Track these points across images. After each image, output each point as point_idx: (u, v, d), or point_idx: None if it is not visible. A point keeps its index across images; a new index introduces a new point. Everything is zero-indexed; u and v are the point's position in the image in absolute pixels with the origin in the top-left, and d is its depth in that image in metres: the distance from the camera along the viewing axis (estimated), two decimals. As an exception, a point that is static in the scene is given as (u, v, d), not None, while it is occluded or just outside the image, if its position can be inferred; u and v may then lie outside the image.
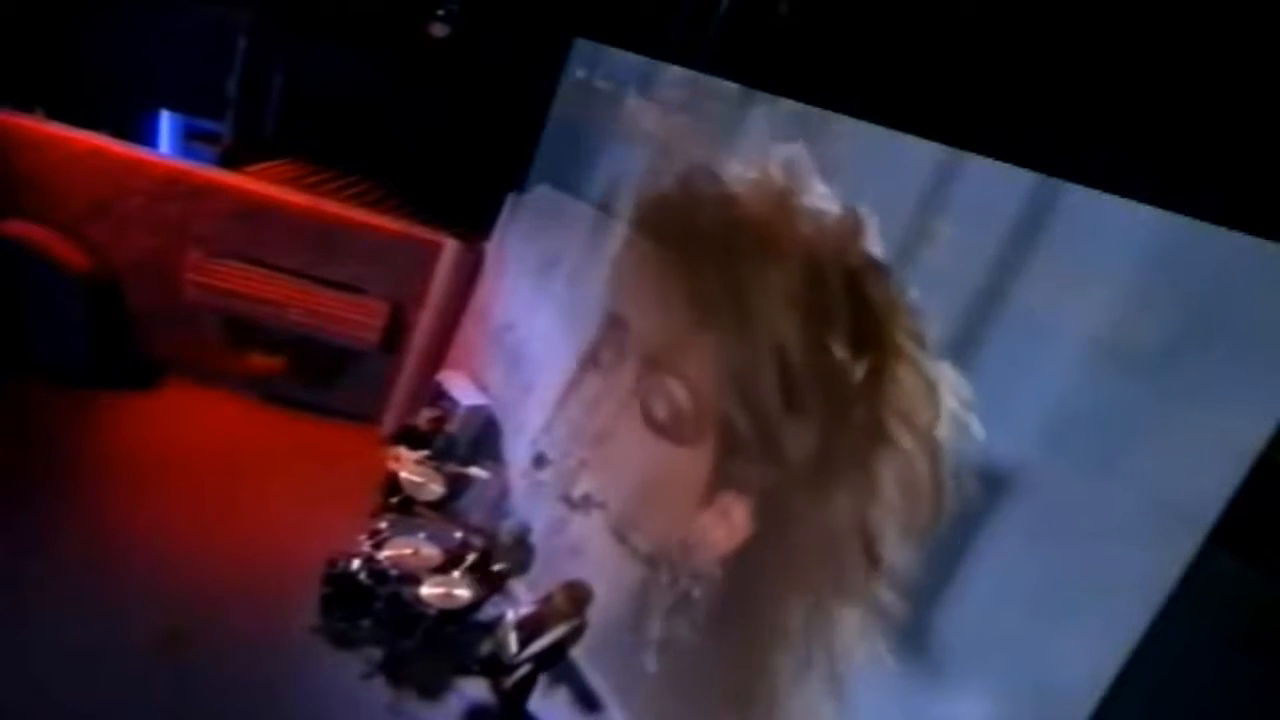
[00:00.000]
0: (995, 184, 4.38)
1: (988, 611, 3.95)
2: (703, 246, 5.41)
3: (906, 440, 4.22)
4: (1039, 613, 3.80)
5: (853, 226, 4.68)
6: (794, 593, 4.55)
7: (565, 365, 6.64)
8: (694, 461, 5.09)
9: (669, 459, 5.27)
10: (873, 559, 4.23)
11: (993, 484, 4.03)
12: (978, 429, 4.04)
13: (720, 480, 4.98)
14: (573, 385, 6.56)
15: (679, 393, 5.15)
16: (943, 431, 4.15)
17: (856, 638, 4.27)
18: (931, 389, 4.20)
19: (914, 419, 4.22)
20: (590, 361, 6.15)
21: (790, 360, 4.65)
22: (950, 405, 4.13)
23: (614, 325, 5.86)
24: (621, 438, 5.64)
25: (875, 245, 4.63)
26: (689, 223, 5.56)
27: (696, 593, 5.01)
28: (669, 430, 5.19)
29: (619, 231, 6.31)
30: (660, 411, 5.21)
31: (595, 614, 5.14)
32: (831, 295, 4.65)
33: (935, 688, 4.08)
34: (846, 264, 4.64)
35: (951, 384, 4.15)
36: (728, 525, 4.92)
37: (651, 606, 5.27)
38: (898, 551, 4.19)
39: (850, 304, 4.57)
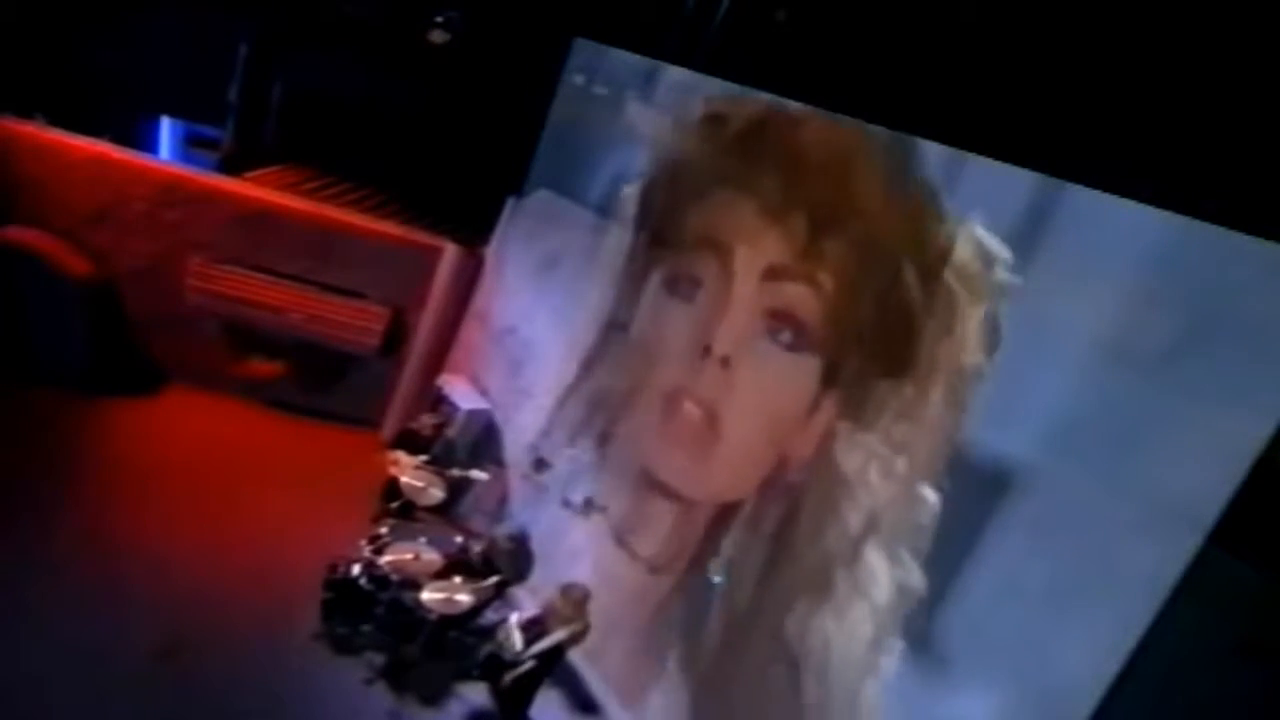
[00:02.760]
0: (995, 184, 4.38)
1: (988, 610, 3.95)
2: (801, 169, 5.36)
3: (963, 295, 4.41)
4: (1039, 612, 3.79)
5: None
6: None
7: (566, 368, 6.64)
8: (804, 370, 5.07)
9: (782, 371, 5.21)
10: (953, 411, 4.34)
11: (994, 484, 4.03)
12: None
13: (829, 383, 4.98)
14: (575, 387, 6.56)
15: (809, 296, 5.09)
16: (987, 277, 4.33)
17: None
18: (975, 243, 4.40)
19: (966, 272, 4.42)
20: (675, 288, 6.00)
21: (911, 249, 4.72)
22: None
23: (714, 249, 5.69)
24: (738, 360, 5.46)
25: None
26: (784, 141, 5.54)
27: (772, 509, 5.06)
28: (801, 334, 5.11)
29: (692, 155, 6.17)
30: (798, 311, 5.13)
31: (596, 617, 5.14)
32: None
33: (936, 685, 4.07)
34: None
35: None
36: (815, 423, 4.96)
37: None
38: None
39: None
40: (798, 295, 5.15)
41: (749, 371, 5.36)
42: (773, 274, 5.31)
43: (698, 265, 5.77)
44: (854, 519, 4.61)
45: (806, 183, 5.27)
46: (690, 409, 5.58)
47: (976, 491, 4.09)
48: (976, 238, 4.35)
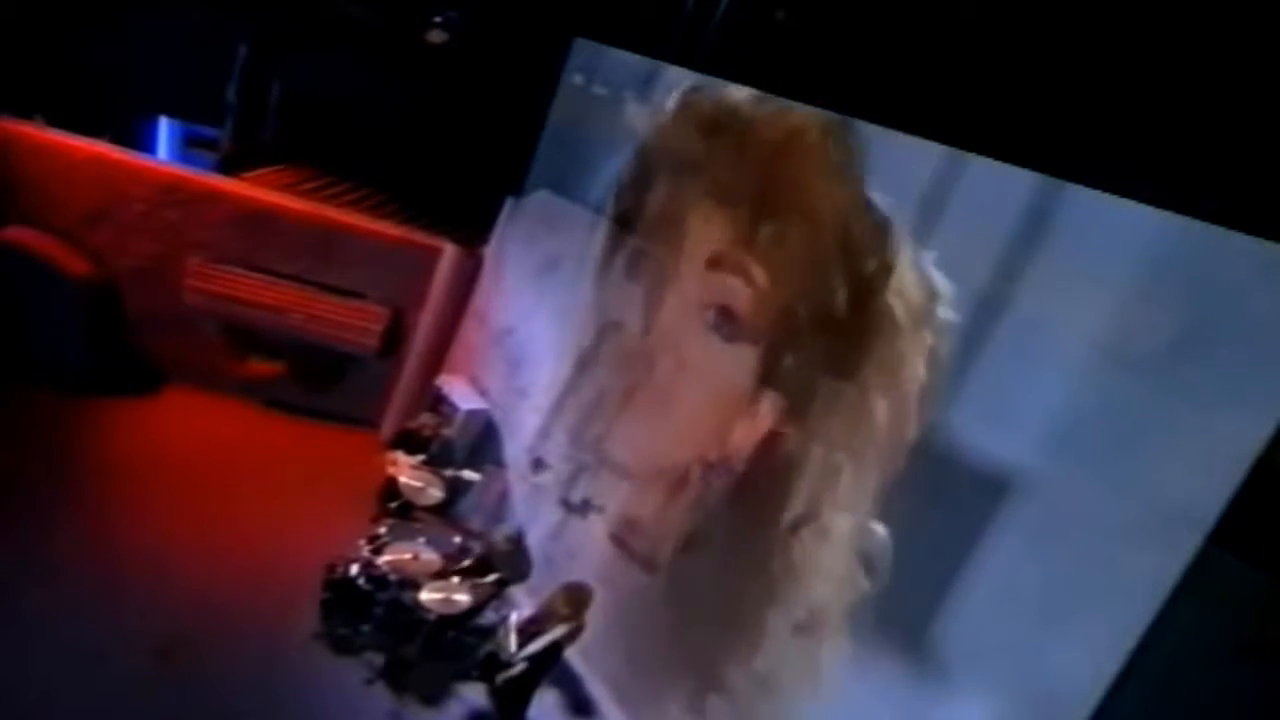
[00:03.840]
0: (995, 184, 4.38)
1: (988, 614, 3.94)
2: (753, 152, 5.51)
3: (904, 318, 4.52)
4: (1039, 616, 3.78)
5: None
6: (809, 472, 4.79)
7: (565, 369, 6.64)
8: (742, 362, 5.23)
9: (721, 360, 5.38)
10: (898, 425, 4.44)
11: (993, 487, 4.02)
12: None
13: (767, 378, 5.12)
14: (572, 388, 6.56)
15: (742, 289, 5.27)
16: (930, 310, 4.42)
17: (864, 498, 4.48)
18: (920, 275, 4.49)
19: (908, 299, 4.53)
20: (636, 274, 6.18)
21: (845, 250, 4.86)
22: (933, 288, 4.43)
23: (669, 229, 5.89)
24: (680, 345, 5.70)
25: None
26: (734, 131, 5.69)
27: (716, 485, 5.23)
28: (735, 326, 5.29)
29: (658, 146, 6.33)
30: (732, 303, 5.31)
31: (595, 616, 5.14)
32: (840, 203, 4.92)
33: (934, 690, 4.07)
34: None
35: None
36: (756, 418, 5.11)
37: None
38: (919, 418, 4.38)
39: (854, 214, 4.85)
40: (734, 288, 5.32)
41: (687, 351, 5.58)
42: (713, 264, 5.50)
43: (652, 247, 6.02)
44: (797, 505, 4.74)
45: (756, 173, 5.40)
46: (637, 386, 5.83)
47: (975, 495, 4.08)
48: (922, 269, 4.45)
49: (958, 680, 4.01)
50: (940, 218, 4.56)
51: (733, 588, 4.97)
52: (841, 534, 4.54)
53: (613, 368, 6.24)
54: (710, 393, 5.44)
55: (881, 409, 4.48)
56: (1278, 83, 4.16)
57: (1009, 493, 3.97)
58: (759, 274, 5.18)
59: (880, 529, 4.38)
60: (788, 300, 5.03)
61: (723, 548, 5.16)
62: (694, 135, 5.97)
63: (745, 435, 5.14)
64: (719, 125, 5.77)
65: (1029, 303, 4.12)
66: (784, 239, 5.11)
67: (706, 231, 5.57)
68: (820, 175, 5.02)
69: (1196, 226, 3.65)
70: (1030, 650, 3.80)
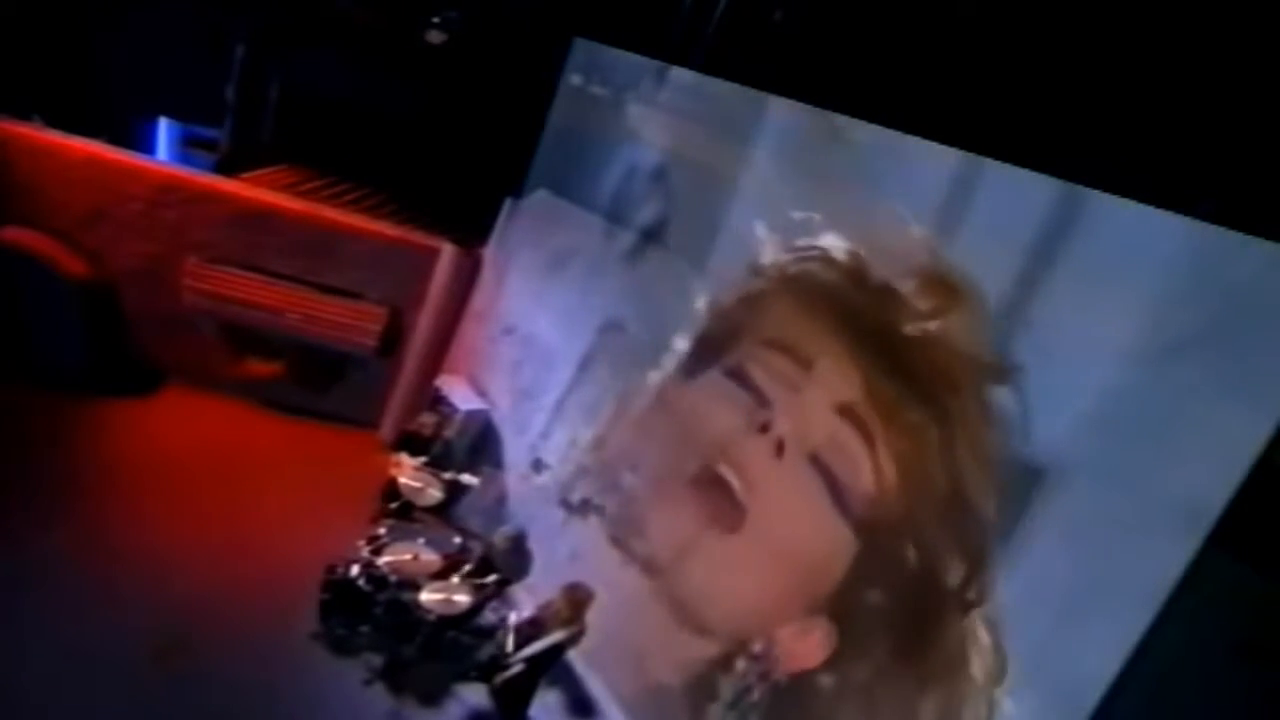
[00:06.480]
0: (997, 185, 4.38)
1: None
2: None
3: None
4: (1040, 616, 3.78)
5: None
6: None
7: (565, 370, 6.64)
8: (830, 551, 4.59)
9: (815, 519, 4.70)
10: None
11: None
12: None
13: (834, 590, 4.56)
14: (574, 388, 6.56)
15: (865, 461, 4.54)
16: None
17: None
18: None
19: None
20: (739, 376, 5.40)
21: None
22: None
23: (795, 357, 5.11)
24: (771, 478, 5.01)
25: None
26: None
27: (756, 696, 4.75)
28: (842, 496, 4.58)
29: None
30: (848, 468, 4.59)
31: (595, 618, 5.13)
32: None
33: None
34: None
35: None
36: (806, 646, 4.57)
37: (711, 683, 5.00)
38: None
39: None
40: (853, 448, 4.60)
41: (790, 480, 4.87)
42: (844, 411, 4.72)
43: (774, 362, 5.25)
44: None
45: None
46: (726, 471, 5.17)
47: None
48: None
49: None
50: (947, 221, 4.54)
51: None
52: None
53: (616, 371, 6.14)
54: (789, 542, 4.83)
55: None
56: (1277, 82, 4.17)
57: (1009, 493, 3.98)
58: (888, 463, 4.44)
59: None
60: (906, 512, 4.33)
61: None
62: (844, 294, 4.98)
63: (791, 644, 4.62)
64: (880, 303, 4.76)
65: (1029, 304, 4.11)
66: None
67: (841, 378, 4.79)
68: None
69: (1197, 226, 3.65)
70: (1030, 652, 3.79)
